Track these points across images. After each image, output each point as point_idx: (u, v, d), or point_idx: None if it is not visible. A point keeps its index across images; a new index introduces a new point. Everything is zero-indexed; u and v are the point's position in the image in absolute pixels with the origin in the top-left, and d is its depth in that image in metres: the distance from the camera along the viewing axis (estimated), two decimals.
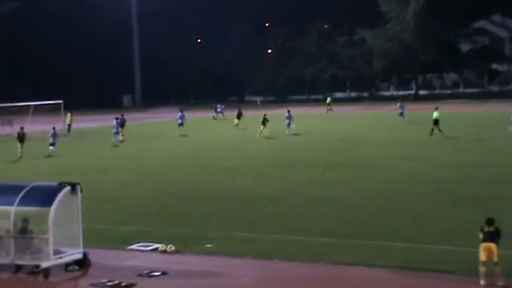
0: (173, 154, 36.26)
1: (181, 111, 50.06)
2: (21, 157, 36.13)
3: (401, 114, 51.94)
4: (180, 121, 48.98)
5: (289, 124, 44.51)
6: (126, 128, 46.80)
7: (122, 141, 43.36)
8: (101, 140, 45.76)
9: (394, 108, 67.86)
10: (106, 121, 50.53)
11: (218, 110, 66.09)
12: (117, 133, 42.98)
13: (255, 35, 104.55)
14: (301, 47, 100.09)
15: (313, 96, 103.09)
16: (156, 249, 16.35)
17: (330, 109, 69.36)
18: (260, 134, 42.90)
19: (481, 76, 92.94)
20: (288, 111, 45.82)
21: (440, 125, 39.51)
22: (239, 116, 54.09)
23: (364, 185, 24.11)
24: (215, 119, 63.65)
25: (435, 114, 40.17)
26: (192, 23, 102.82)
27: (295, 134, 42.98)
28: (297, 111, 71.71)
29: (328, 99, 72.24)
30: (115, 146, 41.38)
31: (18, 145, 37.00)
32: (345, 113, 66.99)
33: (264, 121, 43.62)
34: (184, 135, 47.34)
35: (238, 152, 35.88)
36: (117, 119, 44.73)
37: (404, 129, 45.14)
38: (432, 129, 39.66)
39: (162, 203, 22.15)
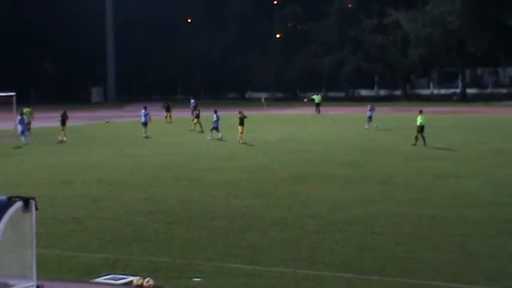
0: (155, 163, 36.31)
1: (145, 108, 52.02)
2: None
3: (370, 118, 54.15)
4: (143, 120, 50.87)
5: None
6: (94, 130, 46.91)
7: (61, 141, 45.55)
8: (63, 143, 45.81)
9: (432, 111, 68.06)
10: (71, 119, 50.63)
11: (191, 107, 65.77)
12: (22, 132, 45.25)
13: (259, 15, 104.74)
14: (317, 32, 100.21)
15: (331, 94, 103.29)
16: (130, 282, 16.29)
17: (319, 110, 70.13)
18: (240, 139, 43.18)
19: None
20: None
21: (489, 133, 39.59)
22: (198, 116, 54.13)
23: (390, 207, 24.08)
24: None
25: (419, 120, 41.46)
26: (179, 0, 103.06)
27: (220, 139, 43.31)
28: (307, 111, 72.37)
29: (317, 98, 72.74)
30: (55, 151, 41.43)
31: None
32: (367, 114, 66.91)
33: (242, 121, 43.71)
34: (148, 137, 48.93)
35: (235, 162, 35.93)
36: (21, 114, 47.14)
37: (441, 138, 45.09)
38: (416, 137, 40.83)
39: (140, 225, 22.12)
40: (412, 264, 17.40)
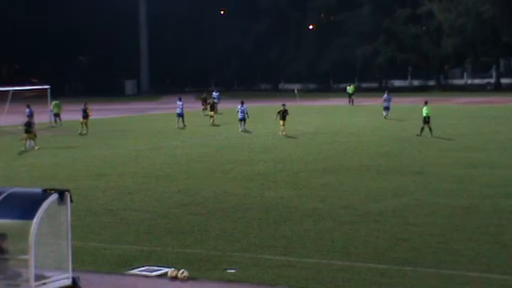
0: (188, 155, 36.42)
1: (180, 99, 52.49)
2: None
3: (386, 108, 54.33)
4: (179, 111, 51.47)
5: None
6: (128, 122, 47.18)
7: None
8: (97, 135, 46.13)
9: (466, 101, 67.44)
10: (104, 112, 50.98)
11: (215, 98, 64.54)
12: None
13: (292, 6, 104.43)
14: (350, 22, 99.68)
15: (364, 85, 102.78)
16: (165, 274, 16.35)
17: (352, 101, 69.94)
18: (282, 132, 42.79)
19: None
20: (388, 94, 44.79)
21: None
22: (212, 107, 53.90)
23: (425, 198, 23.92)
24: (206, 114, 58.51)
25: (425, 111, 41.50)
26: None
27: (246, 131, 43.09)
28: (341, 102, 72.07)
29: (350, 89, 72.58)
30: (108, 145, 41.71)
31: None
32: (403, 105, 66.59)
33: (284, 114, 43.32)
34: (183, 128, 49.48)
35: (268, 154, 35.91)
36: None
37: (476, 128, 44.64)
38: (422, 128, 41.12)
39: (174, 217, 22.19)
40: (446, 255, 17.26)
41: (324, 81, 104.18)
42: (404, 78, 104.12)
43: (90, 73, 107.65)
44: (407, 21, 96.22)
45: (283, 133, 43.15)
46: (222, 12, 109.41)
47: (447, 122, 49.16)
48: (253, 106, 63.97)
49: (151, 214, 22.62)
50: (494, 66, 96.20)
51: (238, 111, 47.01)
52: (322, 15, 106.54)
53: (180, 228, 20.66)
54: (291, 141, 40.98)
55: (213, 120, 52.04)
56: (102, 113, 52.70)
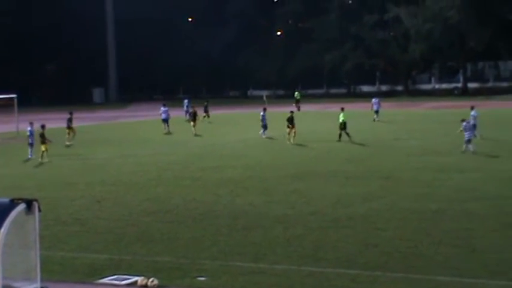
0: (158, 162, 36.29)
1: (164, 105, 53.58)
2: None
3: (376, 112, 56.53)
4: (164, 116, 52.29)
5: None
6: (96, 131, 46.91)
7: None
8: (63, 144, 45.75)
9: (434, 106, 68.00)
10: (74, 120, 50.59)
11: (185, 107, 64.54)
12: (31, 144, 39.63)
13: (260, 13, 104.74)
14: (318, 28, 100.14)
15: (333, 90, 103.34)
16: (135, 283, 16.28)
17: (298, 107, 70.51)
18: (289, 140, 42.26)
19: None
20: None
21: (488, 128, 39.53)
22: (194, 118, 51.15)
23: (393, 203, 24.07)
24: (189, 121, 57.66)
25: (341, 117, 42.73)
26: None
27: (303, 141, 42.99)
28: (310, 108, 72.30)
29: (297, 95, 73.59)
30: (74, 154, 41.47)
31: None
32: (371, 111, 66.91)
33: (291, 122, 42.84)
34: (169, 133, 49.44)
35: (238, 160, 35.92)
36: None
37: (443, 132, 45.02)
38: (340, 134, 42.17)
39: (143, 225, 22.11)
40: (416, 260, 17.38)
41: (292, 87, 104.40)
42: (373, 83, 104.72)
43: (57, 81, 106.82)
44: (375, 26, 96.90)
45: (291, 140, 42.29)
46: (190, 19, 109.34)
47: (415, 127, 49.51)
48: (221, 113, 63.96)
49: (120, 222, 22.52)
50: (461, 71, 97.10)
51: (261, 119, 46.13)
52: (290, 21, 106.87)
53: (149, 236, 20.59)
54: (260, 148, 41.03)
55: (195, 129, 50.18)
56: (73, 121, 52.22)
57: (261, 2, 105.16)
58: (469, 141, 35.54)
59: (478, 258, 17.38)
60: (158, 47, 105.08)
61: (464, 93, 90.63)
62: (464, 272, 16.35)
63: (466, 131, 35.61)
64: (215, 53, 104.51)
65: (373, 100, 58.26)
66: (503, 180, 27.34)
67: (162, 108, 53.77)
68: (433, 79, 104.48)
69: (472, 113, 40.70)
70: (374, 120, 55.95)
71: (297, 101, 73.03)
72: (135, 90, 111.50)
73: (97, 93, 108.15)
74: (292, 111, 44.65)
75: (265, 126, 45.71)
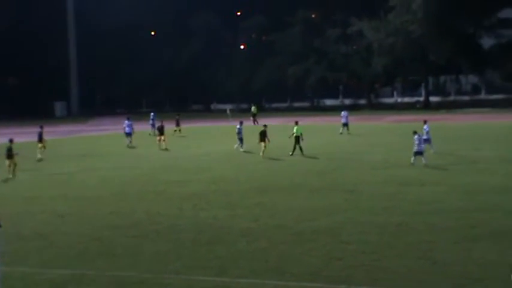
0: (121, 177, 36.10)
1: (128, 119, 53.44)
2: None
3: (344, 124, 56.95)
4: (127, 130, 52.17)
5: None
6: (58, 145, 46.55)
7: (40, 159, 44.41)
8: (27, 159, 45.33)
9: (396, 120, 68.58)
10: (33, 135, 50.13)
11: (150, 121, 64.53)
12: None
13: (224, 27, 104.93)
14: (281, 42, 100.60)
15: (296, 104, 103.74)
16: None
17: (256, 120, 70.85)
18: (263, 153, 42.08)
19: (508, 79, 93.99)
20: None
21: (453, 141, 39.93)
22: (162, 132, 50.25)
23: (357, 216, 24.19)
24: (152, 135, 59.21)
25: (296, 130, 42.83)
26: (144, 12, 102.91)
27: (267, 155, 43.05)
28: (274, 122, 72.48)
29: (253, 109, 73.95)
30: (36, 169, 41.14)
31: None
32: (335, 124, 67.28)
33: (263, 135, 42.60)
34: (132, 147, 49.32)
35: (202, 174, 35.86)
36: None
37: (405, 146, 45.35)
38: (294, 148, 42.34)
39: (106, 239, 21.97)
40: (379, 273, 17.49)
41: (256, 101, 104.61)
42: (336, 97, 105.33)
43: (18, 95, 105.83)
44: (338, 40, 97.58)
45: (261, 154, 42.17)
46: (153, 33, 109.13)
47: (378, 140, 49.85)
48: (185, 127, 63.83)
49: (82, 237, 22.35)
50: (423, 84, 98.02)
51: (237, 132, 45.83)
52: (254, 35, 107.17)
53: (112, 251, 20.47)
54: (225, 161, 41.01)
55: (161, 143, 49.39)
56: (30, 136, 51.81)
57: (225, 15, 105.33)
58: (419, 153, 35.96)
59: (440, 270, 17.54)
60: (121, 61, 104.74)
61: (426, 107, 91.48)
62: (426, 284, 16.50)
63: (417, 144, 36.02)
64: (178, 67, 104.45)
65: (342, 113, 58.49)
66: (464, 193, 27.64)
67: (126, 122, 53.55)
68: (395, 93, 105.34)
69: (425, 127, 41.12)
70: (341, 133, 56.11)
71: (254, 115, 73.28)
72: (97, 104, 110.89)
73: (59, 107, 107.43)
74: (265, 125, 44.41)
75: (241, 140, 45.56)
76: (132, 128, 53.10)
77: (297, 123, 43.67)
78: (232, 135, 46.88)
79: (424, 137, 39.61)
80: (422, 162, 35.54)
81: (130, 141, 52.33)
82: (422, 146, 36.27)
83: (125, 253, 20.20)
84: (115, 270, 18.37)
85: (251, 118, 72.39)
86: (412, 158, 36.08)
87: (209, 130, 66.74)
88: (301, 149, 42.43)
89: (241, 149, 45.09)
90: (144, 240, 21.75)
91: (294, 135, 42.98)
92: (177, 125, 61.66)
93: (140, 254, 20.03)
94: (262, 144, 42.15)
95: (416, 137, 36.23)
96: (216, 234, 22.10)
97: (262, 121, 63.33)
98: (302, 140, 42.63)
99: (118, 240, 21.76)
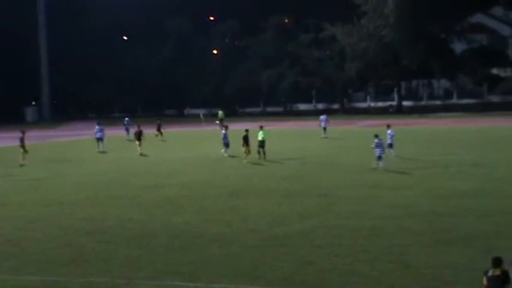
0: (93, 182, 35.91)
1: (98, 124, 53.19)
2: None
3: (324, 129, 57.11)
4: (99, 135, 51.94)
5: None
6: (29, 151, 46.24)
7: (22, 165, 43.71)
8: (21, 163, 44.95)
9: (369, 124, 68.88)
10: (3, 140, 49.78)
11: (125, 125, 64.25)
12: None
13: (196, 31, 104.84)
14: (254, 47, 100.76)
15: (270, 109, 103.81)
16: None
17: (224, 125, 70.81)
18: (246, 158, 41.84)
19: (479, 83, 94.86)
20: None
21: (425, 145, 40.16)
22: (140, 137, 49.48)
23: (329, 220, 24.27)
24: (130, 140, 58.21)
25: (260, 135, 42.75)
26: (116, 17, 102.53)
27: (231, 156, 43.00)
28: (247, 126, 72.39)
29: (220, 114, 74.04)
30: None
31: None
32: (308, 129, 67.50)
33: (246, 140, 42.28)
34: (104, 152, 49.22)
35: (174, 179, 35.78)
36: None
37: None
38: (258, 152, 42.32)
39: (78, 245, 21.84)
40: (352, 276, 17.55)
41: (230, 106, 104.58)
42: (309, 101, 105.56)
43: None
44: (311, 45, 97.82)
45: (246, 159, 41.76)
46: (125, 37, 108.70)
47: (351, 145, 50.08)
48: (152, 132, 63.59)
49: (53, 243, 22.20)
50: (395, 89, 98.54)
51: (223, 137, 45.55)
52: (227, 40, 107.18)
53: (84, 257, 20.36)
54: (197, 166, 40.94)
55: (139, 148, 48.79)
56: (2, 141, 51.40)
57: (198, 20, 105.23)
58: (379, 157, 36.22)
59: (412, 274, 17.64)
60: (93, 66, 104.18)
61: (399, 111, 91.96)
62: (399, 287, 16.57)
63: (377, 148, 36.26)
64: (151, 71, 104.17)
65: (321, 117, 58.73)
66: (436, 197, 27.81)
67: (97, 127, 53.24)
68: (368, 97, 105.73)
69: (388, 131, 41.34)
70: (323, 137, 56.25)
71: (221, 120, 73.28)
72: (69, 108, 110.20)
73: (30, 112, 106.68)
74: (247, 130, 43.91)
75: (226, 145, 45.28)
76: (103, 133, 52.87)
77: (261, 127, 43.45)
78: (205, 139, 46.84)
79: (388, 141, 39.83)
80: (380, 166, 35.81)
81: (102, 146, 52.09)
82: (380, 149, 36.48)
83: (96, 259, 20.09)
84: (87, 276, 18.27)
85: (217, 122, 72.52)
86: (375, 163, 36.32)
87: (183, 135, 66.59)
88: (264, 153, 42.27)
89: (226, 154, 44.79)
90: (116, 245, 21.65)
91: (258, 139, 42.78)
92: (159, 129, 61.59)
93: (112, 260, 19.94)
94: (245, 149, 42.05)
95: (376, 140, 36.46)
96: (188, 239, 22.06)
97: (235, 126, 63.26)
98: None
99: (90, 246, 21.64)
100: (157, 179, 35.83)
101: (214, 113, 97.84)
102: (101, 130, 52.68)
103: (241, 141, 42.39)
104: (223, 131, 45.83)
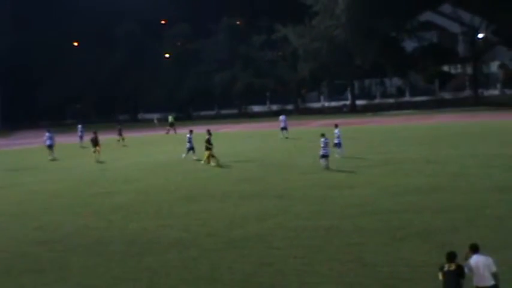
0: (46, 190, 35.52)
1: (48, 131, 52.54)
2: None
3: (283, 128, 57.22)
4: (48, 142, 51.31)
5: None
6: None
7: None
8: None
9: (324, 124, 69.27)
10: None
11: (79, 133, 63.78)
12: None
13: (148, 36, 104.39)
14: (206, 49, 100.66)
15: (224, 111, 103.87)
16: None
17: (174, 130, 71.05)
18: (206, 161, 41.61)
19: (430, 81, 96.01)
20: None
21: (379, 143, 40.33)
22: (96, 143, 48.59)
23: (287, 221, 24.32)
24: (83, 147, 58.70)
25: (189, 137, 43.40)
26: (67, 23, 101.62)
27: (198, 160, 42.93)
28: (202, 130, 72.34)
29: (170, 118, 74.26)
30: None
31: None
32: (264, 130, 67.65)
33: (209, 142, 42.19)
34: (55, 160, 48.82)
35: (129, 185, 35.54)
36: None
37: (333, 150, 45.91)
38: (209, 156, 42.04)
39: (32, 255, 21.58)
40: (310, 277, 17.62)
41: (183, 110, 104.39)
42: (263, 103, 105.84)
43: None
44: (263, 47, 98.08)
45: (210, 162, 41.59)
46: (75, 43, 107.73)
47: (306, 145, 50.25)
48: (112, 137, 63.22)
49: (7, 253, 21.92)
50: (349, 88, 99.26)
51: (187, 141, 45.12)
52: (179, 43, 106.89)
53: (38, 267, 20.12)
54: (153, 171, 40.72)
55: (96, 155, 47.96)
56: None
57: (149, 24, 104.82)
58: (324, 156, 36.52)
59: (370, 272, 17.76)
60: (44, 73, 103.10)
61: (353, 110, 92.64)
62: (356, 286, 16.69)
63: (323, 147, 36.55)
64: (104, 77, 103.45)
65: (281, 117, 58.89)
66: (392, 194, 28.03)
67: (47, 134, 52.53)
68: (322, 97, 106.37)
69: (336, 131, 41.57)
70: (282, 137, 56.34)
71: (171, 125, 73.16)
72: (20, 117, 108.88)
73: None
74: (210, 133, 43.50)
75: (192, 148, 44.88)
76: (53, 140, 52.26)
77: (209, 131, 43.37)
78: (160, 144, 46.60)
79: (335, 140, 40.06)
80: (327, 165, 36.12)
81: (52, 154, 51.42)
82: (328, 149, 36.77)
83: (52, 268, 19.88)
84: (42, 286, 18.07)
85: (167, 128, 72.43)
86: (321, 161, 36.59)
87: (137, 140, 66.19)
88: (213, 156, 41.87)
89: (194, 157, 44.40)
90: (71, 254, 21.44)
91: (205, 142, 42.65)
92: (120, 134, 61.34)
93: (68, 269, 19.74)
94: (208, 152, 41.86)
95: (322, 140, 36.73)
96: (145, 245, 21.94)
97: (186, 130, 63.15)
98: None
99: (45, 256, 21.40)
100: (113, 186, 35.57)
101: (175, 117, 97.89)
102: (50, 138, 51.99)
103: (203, 144, 42.28)
104: (188, 135, 45.45)
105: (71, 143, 63.81)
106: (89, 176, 40.64)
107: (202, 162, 41.52)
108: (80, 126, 65.08)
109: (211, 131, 43.58)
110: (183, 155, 44.75)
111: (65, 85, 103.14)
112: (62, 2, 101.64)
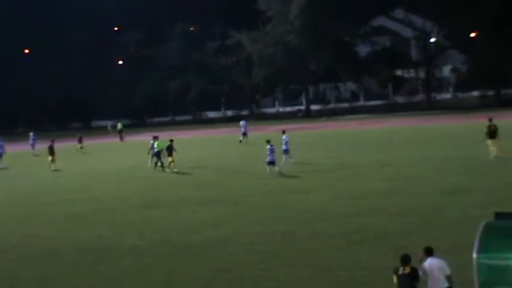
0: None
1: None
2: None
3: (244, 134, 57.65)
4: None
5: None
6: None
7: None
8: None
9: (279, 129, 69.38)
10: None
11: (31, 141, 63.19)
12: None
13: (101, 43, 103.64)
14: (160, 56, 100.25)
15: (179, 118, 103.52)
16: None
17: (122, 137, 71.09)
18: (169, 168, 41.17)
19: (384, 85, 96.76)
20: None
21: (334, 148, 40.42)
22: (52, 152, 47.53)
23: (243, 226, 24.23)
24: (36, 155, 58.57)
25: (157, 145, 42.80)
26: (19, 30, 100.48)
27: (155, 167, 42.59)
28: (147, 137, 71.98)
29: (119, 125, 74.27)
30: None
31: None
32: (218, 136, 67.53)
33: (170, 150, 41.90)
34: (5, 168, 48.04)
35: (83, 193, 35.12)
36: None
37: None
38: (155, 163, 42.32)
39: None
40: (266, 282, 17.53)
41: (138, 117, 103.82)
42: (218, 109, 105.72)
43: None
44: (217, 53, 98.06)
45: (171, 169, 41.31)
46: (26, 51, 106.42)
47: (261, 151, 50.18)
48: (65, 146, 62.54)
49: None
50: (303, 93, 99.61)
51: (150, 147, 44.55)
52: (132, 50, 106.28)
53: None
54: (107, 179, 40.33)
55: (52, 163, 46.86)
56: None
57: (102, 31, 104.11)
58: (270, 163, 36.62)
59: (327, 277, 17.73)
60: None
61: (307, 115, 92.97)
62: None
63: (269, 154, 36.65)
64: (56, 85, 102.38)
65: (241, 123, 59.26)
66: (348, 198, 28.11)
67: None
68: (277, 103, 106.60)
69: (284, 137, 41.49)
70: (241, 141, 56.54)
71: (120, 132, 72.85)
72: None
73: None
74: (171, 140, 43.15)
75: (157, 154, 44.23)
76: (3, 149, 51.46)
77: (156, 138, 43.14)
78: (114, 151, 46.15)
79: (283, 147, 40.10)
80: (276, 172, 36.17)
81: (2, 162, 50.59)
82: (274, 155, 36.85)
83: (2, 279, 19.49)
84: None
85: (118, 135, 72.20)
86: (267, 168, 36.66)
87: (91, 147, 65.50)
88: (162, 164, 41.72)
89: (159, 164, 43.80)
90: (23, 264, 21.07)
91: (156, 149, 42.37)
92: (80, 142, 60.84)
93: (20, 279, 19.39)
94: (169, 158, 41.49)
95: (268, 146, 36.82)
96: (99, 254, 21.64)
97: (141, 137, 62.95)
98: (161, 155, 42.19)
99: None
100: (66, 194, 35.10)
101: (125, 124, 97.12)
102: (0, 146, 51.22)
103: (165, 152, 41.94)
104: (152, 142, 44.82)
105: (24, 151, 62.92)
106: (41, 184, 40.08)
107: (168, 170, 41.16)
108: (31, 134, 64.22)
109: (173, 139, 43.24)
110: (159, 163, 43.72)
111: (16, 93, 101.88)
112: (16, 11, 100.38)
